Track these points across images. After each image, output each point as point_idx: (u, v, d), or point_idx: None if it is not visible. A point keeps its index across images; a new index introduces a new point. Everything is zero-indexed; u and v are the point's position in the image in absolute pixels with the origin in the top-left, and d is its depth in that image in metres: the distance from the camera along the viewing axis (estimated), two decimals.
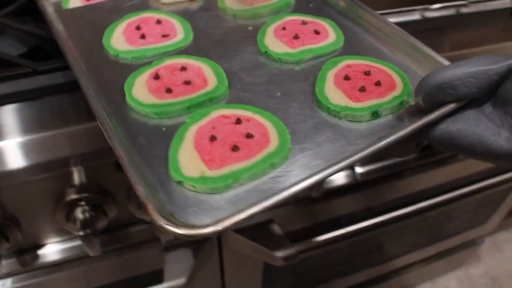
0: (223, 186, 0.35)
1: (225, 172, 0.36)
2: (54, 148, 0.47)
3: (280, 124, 0.40)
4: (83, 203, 0.50)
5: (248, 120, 0.40)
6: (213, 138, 0.38)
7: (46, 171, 0.47)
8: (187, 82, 0.43)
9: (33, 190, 0.49)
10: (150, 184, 0.36)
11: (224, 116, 0.40)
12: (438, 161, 0.85)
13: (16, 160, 0.45)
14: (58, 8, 0.53)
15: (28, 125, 0.47)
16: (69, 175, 0.49)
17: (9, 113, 0.48)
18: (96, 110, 0.39)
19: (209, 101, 0.42)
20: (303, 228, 0.80)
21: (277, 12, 0.54)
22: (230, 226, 0.32)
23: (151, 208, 0.32)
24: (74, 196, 0.50)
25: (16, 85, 0.48)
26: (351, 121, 0.42)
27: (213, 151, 0.37)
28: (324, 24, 0.51)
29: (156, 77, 0.43)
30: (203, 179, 0.36)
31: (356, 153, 0.37)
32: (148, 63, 0.46)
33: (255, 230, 0.69)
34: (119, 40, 0.48)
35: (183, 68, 0.44)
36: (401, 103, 0.43)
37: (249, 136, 0.39)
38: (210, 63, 0.46)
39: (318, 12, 0.54)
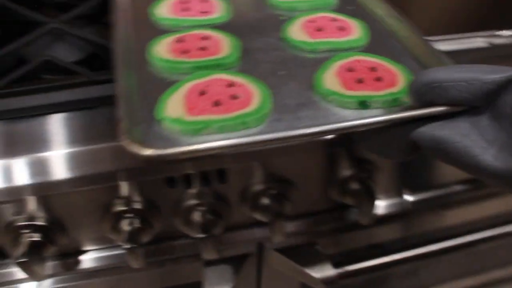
0: (192, 129, 0.40)
1: (199, 119, 0.41)
2: (103, 161, 0.47)
3: (267, 93, 0.44)
4: (130, 215, 0.50)
5: (240, 85, 0.45)
6: (202, 93, 0.43)
7: (94, 184, 0.48)
8: (203, 48, 0.49)
9: (81, 199, 0.50)
10: (137, 117, 0.42)
11: (221, 79, 0.45)
12: (494, 193, 0.81)
13: (65, 170, 0.46)
14: None
15: (79, 136, 0.48)
16: (117, 187, 0.49)
17: (61, 122, 0.48)
18: (117, 52, 0.46)
19: (216, 67, 0.47)
20: (347, 252, 0.80)
21: (315, 8, 0.58)
22: (174, 154, 0.36)
23: (121, 125, 0.38)
24: (121, 208, 0.50)
25: (70, 93, 0.49)
26: (339, 107, 0.44)
27: (197, 102, 0.42)
28: (353, 23, 0.54)
29: (179, 40, 0.50)
30: (178, 120, 0.41)
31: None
32: (181, 31, 0.52)
33: (297, 250, 0.69)
34: (164, 9, 0.55)
35: (206, 38, 0.50)
36: (395, 100, 0.44)
37: (234, 97, 0.43)
38: (231, 37, 0.51)
39: (355, 14, 0.57)
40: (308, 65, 0.49)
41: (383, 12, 0.57)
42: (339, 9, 0.58)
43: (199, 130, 0.40)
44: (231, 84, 0.44)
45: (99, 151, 0.47)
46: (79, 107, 0.50)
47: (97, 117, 0.49)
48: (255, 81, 0.45)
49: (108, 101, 0.47)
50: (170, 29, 0.53)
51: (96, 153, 0.47)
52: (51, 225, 0.49)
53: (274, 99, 0.44)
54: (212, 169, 0.51)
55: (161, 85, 0.45)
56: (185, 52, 0.48)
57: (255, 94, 0.44)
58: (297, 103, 0.44)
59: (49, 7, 0.67)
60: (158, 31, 0.53)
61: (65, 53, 0.57)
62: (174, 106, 0.42)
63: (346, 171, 0.57)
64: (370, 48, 0.52)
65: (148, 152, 0.36)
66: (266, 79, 0.46)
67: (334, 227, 0.68)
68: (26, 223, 0.48)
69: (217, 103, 0.42)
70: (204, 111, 0.42)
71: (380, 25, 0.56)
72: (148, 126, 0.41)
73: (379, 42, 0.53)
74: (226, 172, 0.52)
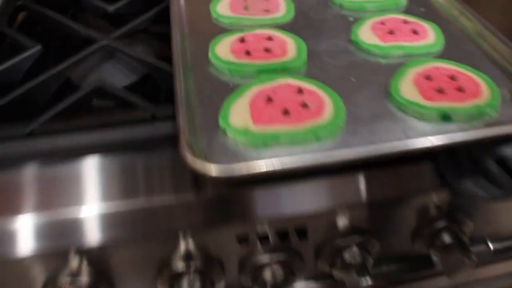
0: (261, 142, 0.37)
1: (268, 130, 0.37)
2: (164, 216, 0.41)
3: (339, 102, 0.40)
4: (190, 274, 0.43)
5: (310, 92, 0.41)
6: (269, 100, 0.40)
7: (151, 241, 0.42)
8: (267, 50, 0.45)
9: (133, 255, 0.43)
10: (197, 126, 0.38)
11: (289, 85, 0.42)
12: None
13: (116, 228, 0.40)
14: None
15: (135, 183, 0.40)
16: (177, 244, 0.43)
17: (116, 165, 0.41)
18: (174, 51, 0.43)
19: (282, 70, 0.44)
20: None
21: (384, 10, 0.53)
22: (243, 174, 0.33)
23: (182, 138, 0.35)
24: (181, 266, 0.43)
25: (128, 131, 0.41)
26: (418, 119, 0.40)
27: (264, 110, 0.39)
28: (426, 26, 0.50)
29: (242, 40, 0.46)
30: (245, 131, 0.37)
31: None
32: (241, 30, 0.49)
33: None
34: (224, 7, 0.52)
35: (269, 38, 0.47)
36: (481, 113, 0.40)
37: (304, 105, 0.39)
38: (296, 39, 0.47)
39: (426, 16, 0.52)
40: (380, 71, 0.45)
41: (458, 13, 0.52)
42: (410, 11, 0.54)
43: (267, 142, 0.37)
44: (300, 91, 0.41)
45: (160, 208, 0.40)
46: (138, 148, 0.41)
47: (158, 160, 0.41)
48: (325, 88, 0.42)
49: (173, 141, 0.39)
50: (231, 28, 0.50)
51: (156, 208, 0.40)
52: (97, 282, 0.41)
53: (347, 108, 0.40)
54: (292, 226, 0.44)
55: (222, 89, 0.42)
56: (248, 53, 0.45)
57: (326, 102, 0.40)
58: (371, 113, 0.40)
59: (89, 17, 0.63)
60: (218, 29, 0.50)
61: (116, 75, 0.51)
62: (239, 114, 0.39)
63: (436, 223, 0.48)
64: (446, 54, 0.47)
65: (215, 171, 0.33)
66: (337, 85, 0.43)
67: (410, 275, 0.58)
68: (70, 279, 0.40)
69: (286, 112, 0.39)
70: (272, 121, 0.38)
71: (455, 28, 0.51)
72: (211, 136, 0.38)
73: (456, 47, 0.48)
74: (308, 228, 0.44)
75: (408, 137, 0.38)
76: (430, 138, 0.36)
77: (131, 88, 0.49)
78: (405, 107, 0.40)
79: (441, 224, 0.46)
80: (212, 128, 0.39)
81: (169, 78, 0.42)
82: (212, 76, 0.44)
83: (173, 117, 0.38)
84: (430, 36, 0.49)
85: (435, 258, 0.48)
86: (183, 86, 0.40)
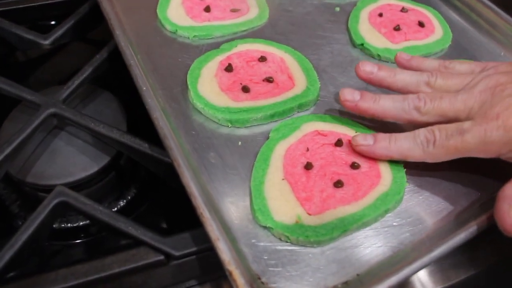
0: (327, 239, 0.27)
1: (329, 219, 0.27)
2: None
3: None
4: None
5: (350, 141, 0.31)
6: (308, 166, 0.29)
7: None
8: (269, 79, 0.33)
9: None
10: (228, 231, 0.27)
11: (319, 133, 0.31)
12: None
13: None
14: None
15: None
16: None
17: None
18: (162, 131, 0.29)
19: (298, 108, 0.33)
20: None
21: None
22: None
23: (241, 283, 0.23)
24: None
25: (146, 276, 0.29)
26: None
27: (310, 185, 0.28)
28: (428, 14, 0.42)
29: (229, 68, 0.33)
30: (301, 228, 0.27)
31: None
32: (215, 46, 0.36)
33: None
34: (177, 11, 0.37)
35: (262, 59, 0.34)
36: None
37: (354, 166, 0.29)
38: (295, 54, 0.36)
39: None
40: None
41: None
42: None
43: (334, 236, 0.27)
44: (338, 142, 0.30)
45: None
46: None
47: None
48: (362, 129, 0.32)
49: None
50: (198, 43, 0.36)
51: None
52: None
53: None
54: None
55: (233, 154, 0.30)
56: (246, 89, 0.32)
57: None
58: None
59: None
60: (182, 48, 0.36)
61: (77, 158, 0.34)
62: (279, 201, 0.28)
63: None
64: (458, 48, 0.40)
65: None
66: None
67: None
68: None
69: (338, 183, 0.28)
70: (328, 202, 0.28)
71: (447, 7, 0.44)
72: (250, 239, 0.27)
73: (462, 36, 0.41)
74: None
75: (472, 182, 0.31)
76: None
77: (102, 173, 0.33)
78: None
79: None
80: (244, 223, 0.27)
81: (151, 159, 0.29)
82: (207, 130, 0.32)
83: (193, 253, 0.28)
84: (437, 27, 0.41)
85: None
86: (190, 177, 0.27)
